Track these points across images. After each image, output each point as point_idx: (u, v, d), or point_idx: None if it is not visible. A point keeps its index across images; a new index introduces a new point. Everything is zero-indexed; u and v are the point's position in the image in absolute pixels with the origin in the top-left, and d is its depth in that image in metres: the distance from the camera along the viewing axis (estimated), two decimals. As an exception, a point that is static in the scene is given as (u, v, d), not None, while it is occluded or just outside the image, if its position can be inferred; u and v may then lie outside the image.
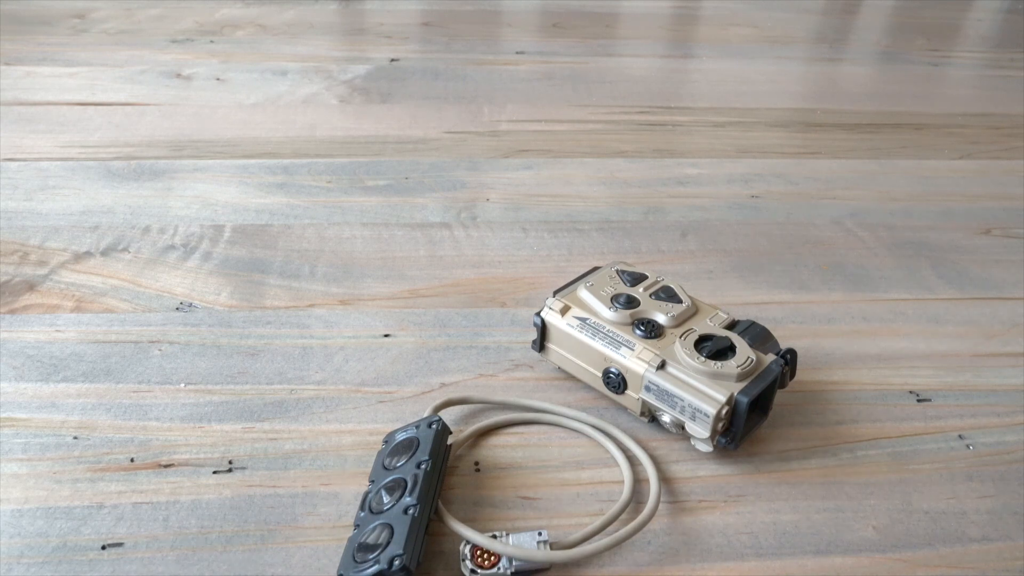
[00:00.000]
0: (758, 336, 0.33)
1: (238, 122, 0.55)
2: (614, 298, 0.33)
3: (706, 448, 0.31)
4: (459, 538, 0.27)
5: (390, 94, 0.60)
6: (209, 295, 0.40)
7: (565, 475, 0.31)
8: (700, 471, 0.31)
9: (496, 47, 0.70)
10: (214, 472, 0.30)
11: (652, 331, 0.32)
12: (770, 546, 0.29)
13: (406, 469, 0.28)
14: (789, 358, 0.32)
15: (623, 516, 0.29)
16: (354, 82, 0.61)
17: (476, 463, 0.31)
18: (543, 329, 0.34)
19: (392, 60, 0.65)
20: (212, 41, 0.66)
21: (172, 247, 0.43)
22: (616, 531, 0.27)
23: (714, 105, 0.62)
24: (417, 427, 0.30)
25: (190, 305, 0.39)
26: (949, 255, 0.46)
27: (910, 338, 0.40)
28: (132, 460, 0.31)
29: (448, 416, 0.33)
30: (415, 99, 0.60)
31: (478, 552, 0.27)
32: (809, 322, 0.40)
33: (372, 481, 0.29)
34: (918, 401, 0.36)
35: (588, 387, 0.35)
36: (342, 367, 0.36)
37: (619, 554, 0.28)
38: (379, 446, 0.31)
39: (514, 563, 0.26)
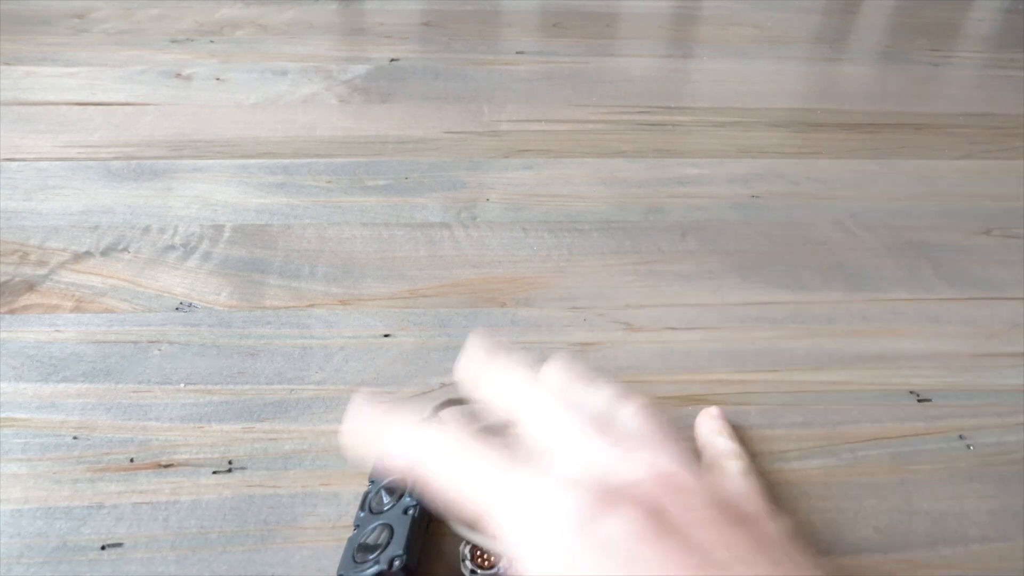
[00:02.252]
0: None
1: (238, 122, 0.55)
2: None
3: None
4: (459, 538, 0.27)
5: (390, 94, 0.60)
6: (209, 295, 0.40)
7: (565, 475, 0.31)
8: (700, 471, 0.31)
9: (496, 47, 0.70)
10: (214, 472, 0.30)
11: None
12: (770, 546, 0.28)
13: None
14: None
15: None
16: (354, 82, 0.61)
17: (476, 463, 0.31)
18: None
19: (392, 60, 0.65)
20: (212, 41, 0.66)
21: (172, 247, 0.43)
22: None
23: (714, 105, 0.62)
24: None
25: (190, 305, 0.39)
26: (950, 255, 0.46)
27: (911, 338, 0.40)
28: (132, 460, 0.31)
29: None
30: (415, 99, 0.60)
31: (478, 552, 0.27)
32: (809, 322, 0.40)
33: (372, 481, 0.29)
34: (919, 401, 0.36)
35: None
36: (342, 367, 0.36)
37: (619, 554, 0.28)
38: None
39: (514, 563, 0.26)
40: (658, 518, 0.20)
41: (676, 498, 0.21)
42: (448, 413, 0.30)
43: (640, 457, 0.23)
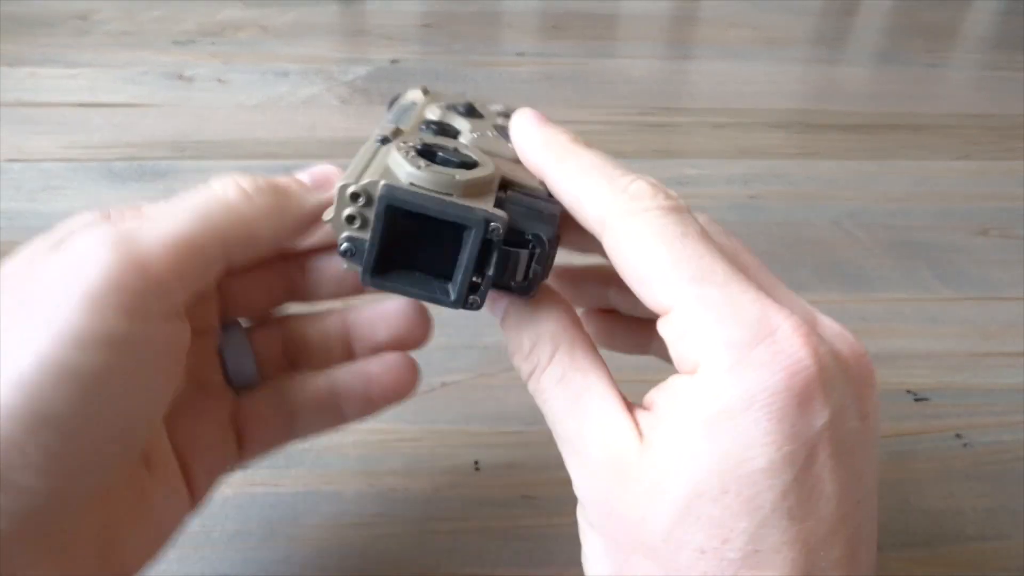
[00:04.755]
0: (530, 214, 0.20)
1: (239, 123, 0.55)
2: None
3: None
4: None
5: (391, 95, 0.60)
6: (211, 295, 0.40)
7: (565, 474, 0.31)
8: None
9: (496, 48, 0.70)
10: (216, 471, 0.31)
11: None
12: (768, 544, 0.29)
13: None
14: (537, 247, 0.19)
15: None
16: (355, 83, 0.62)
17: (476, 462, 0.32)
18: None
19: (393, 61, 0.66)
20: (213, 43, 0.66)
21: (174, 247, 0.43)
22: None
23: (713, 106, 0.62)
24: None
25: (192, 305, 0.39)
26: (947, 255, 0.47)
27: (908, 338, 0.40)
28: (135, 459, 0.31)
29: (450, 420, 0.33)
30: (415, 100, 0.60)
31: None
32: (808, 322, 0.40)
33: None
34: (916, 400, 0.36)
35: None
36: (343, 367, 0.36)
37: (618, 552, 0.28)
38: (380, 446, 0.31)
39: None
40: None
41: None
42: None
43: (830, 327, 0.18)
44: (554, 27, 0.75)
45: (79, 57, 0.62)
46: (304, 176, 0.22)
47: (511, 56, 0.68)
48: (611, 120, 0.59)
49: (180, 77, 0.60)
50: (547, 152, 0.20)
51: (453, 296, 0.19)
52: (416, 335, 0.26)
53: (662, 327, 0.18)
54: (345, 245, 0.19)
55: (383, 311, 0.25)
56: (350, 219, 0.19)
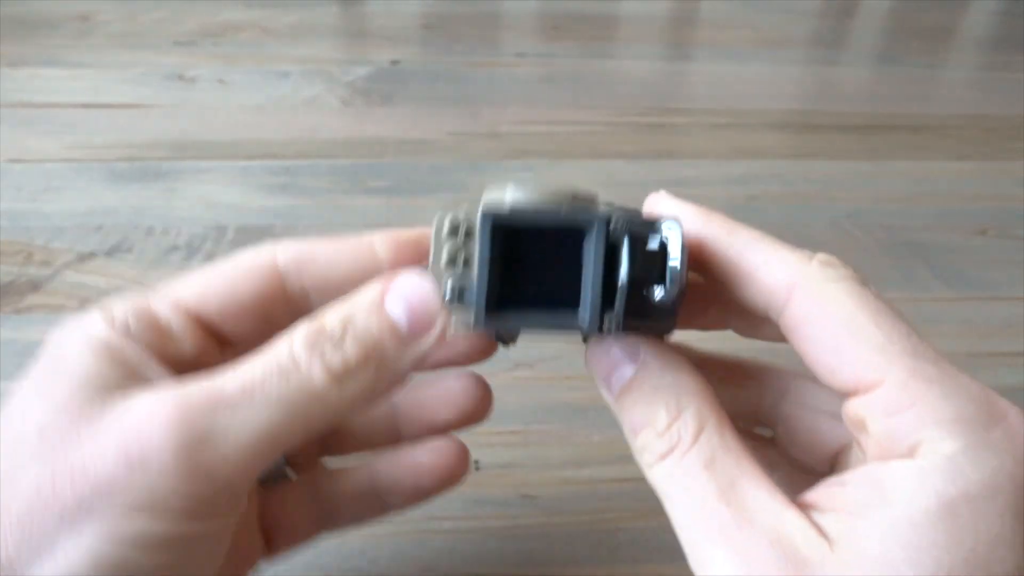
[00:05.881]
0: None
1: (240, 124, 0.55)
2: None
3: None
4: None
5: (391, 96, 0.61)
6: (212, 295, 0.40)
7: (565, 473, 0.31)
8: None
9: (496, 49, 0.70)
10: (218, 470, 0.31)
11: None
12: (767, 543, 0.29)
13: None
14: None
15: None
16: (355, 84, 0.62)
17: (476, 461, 0.32)
18: None
19: (393, 62, 0.66)
20: (215, 43, 0.66)
21: (175, 248, 0.44)
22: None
23: (712, 107, 0.62)
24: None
25: (193, 305, 0.39)
26: (946, 256, 0.47)
27: (906, 338, 0.40)
28: (137, 458, 0.31)
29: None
30: (416, 101, 0.60)
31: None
32: (806, 322, 0.40)
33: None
34: (914, 400, 0.36)
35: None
36: (344, 366, 0.36)
37: (617, 551, 0.28)
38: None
39: None
40: None
41: None
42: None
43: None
44: (554, 28, 0.75)
45: (81, 58, 0.62)
46: (399, 310, 0.17)
47: (511, 57, 0.68)
48: (611, 121, 0.59)
49: (181, 78, 0.61)
50: (712, 222, 0.19)
51: (587, 317, 0.16)
52: (483, 409, 0.23)
53: (863, 404, 0.16)
54: (450, 288, 0.17)
55: (444, 390, 0.23)
56: (451, 260, 0.17)
